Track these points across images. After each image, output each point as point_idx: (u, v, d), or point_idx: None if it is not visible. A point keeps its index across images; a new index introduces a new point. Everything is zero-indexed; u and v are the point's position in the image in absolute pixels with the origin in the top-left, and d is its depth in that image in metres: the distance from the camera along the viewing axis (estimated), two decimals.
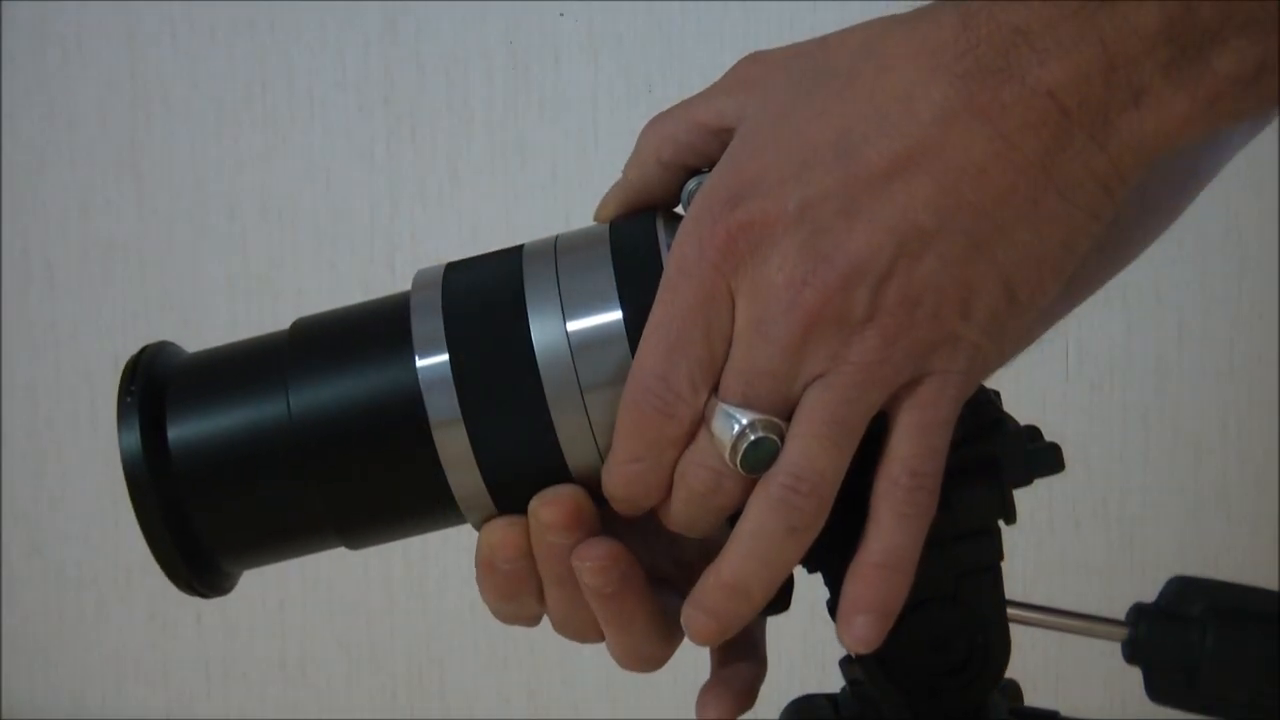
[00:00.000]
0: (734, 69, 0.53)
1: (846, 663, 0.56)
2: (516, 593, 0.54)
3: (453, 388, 0.51)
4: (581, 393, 0.51)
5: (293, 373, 0.53)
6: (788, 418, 0.49)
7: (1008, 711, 0.55)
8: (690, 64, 1.19)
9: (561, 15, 1.19)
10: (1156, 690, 0.52)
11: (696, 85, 0.53)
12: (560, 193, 1.21)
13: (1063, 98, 0.45)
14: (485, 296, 0.52)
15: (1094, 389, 1.21)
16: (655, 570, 0.55)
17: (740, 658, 0.57)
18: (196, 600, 0.56)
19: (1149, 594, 0.53)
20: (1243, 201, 1.17)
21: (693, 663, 0.57)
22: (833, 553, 0.50)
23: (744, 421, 0.48)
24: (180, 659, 1.29)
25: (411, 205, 1.23)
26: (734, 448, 0.48)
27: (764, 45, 0.53)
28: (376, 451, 0.52)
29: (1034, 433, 0.53)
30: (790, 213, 0.47)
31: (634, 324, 0.50)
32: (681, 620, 0.52)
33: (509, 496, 0.52)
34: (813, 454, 0.48)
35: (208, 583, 0.55)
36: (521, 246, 0.54)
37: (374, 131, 1.22)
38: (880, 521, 0.49)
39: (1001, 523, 0.52)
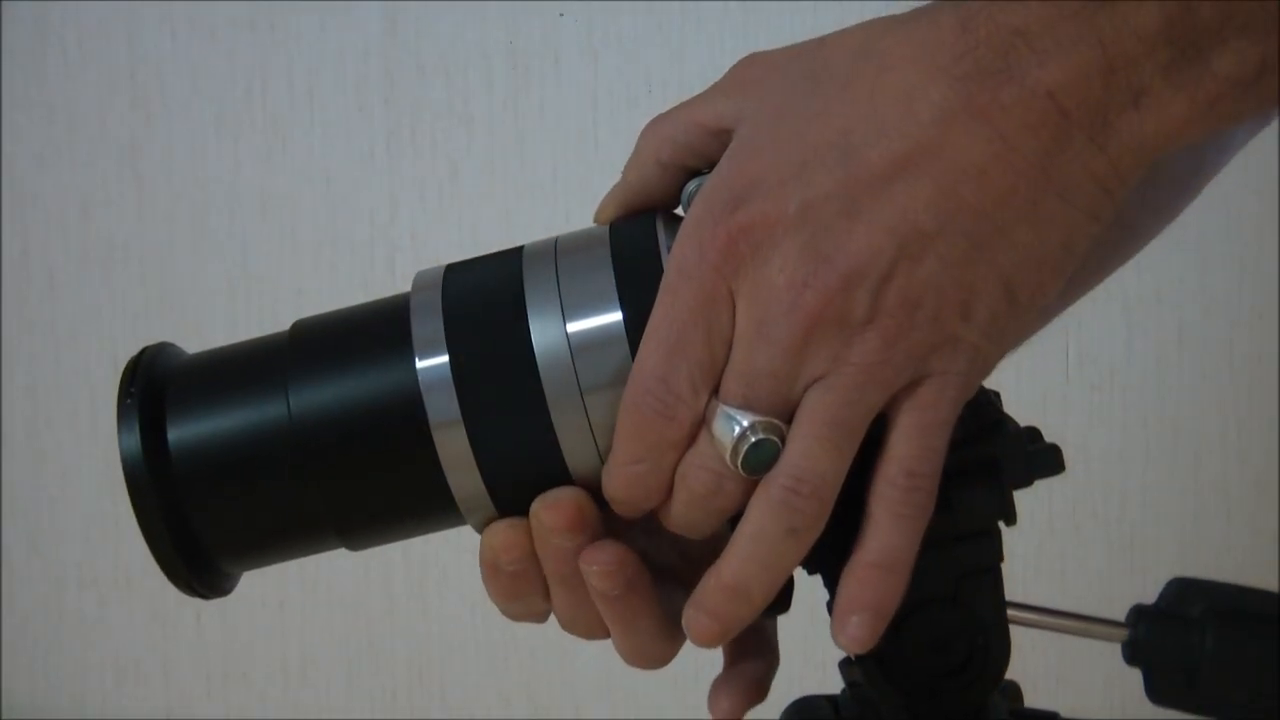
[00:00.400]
0: (733, 70, 0.53)
1: (846, 664, 0.55)
2: (521, 593, 0.54)
3: (453, 389, 0.51)
4: (582, 394, 0.51)
5: (293, 374, 0.53)
6: (788, 419, 0.49)
7: (1008, 713, 0.55)
8: (690, 64, 1.19)
9: (561, 16, 1.19)
10: (1156, 691, 0.52)
11: (696, 86, 0.53)
12: (560, 193, 1.21)
13: (1062, 99, 0.45)
14: (485, 298, 0.52)
15: (1094, 390, 1.21)
16: (660, 564, 0.55)
17: (752, 651, 0.57)
18: (196, 601, 0.56)
19: (1149, 595, 0.53)
20: (1243, 201, 1.17)
21: (693, 662, 0.57)
22: (832, 554, 0.50)
23: (745, 423, 0.48)
24: (180, 659, 1.29)
25: (411, 206, 1.23)
26: (735, 449, 0.48)
27: (764, 45, 0.52)
28: (376, 453, 0.52)
29: (1034, 434, 0.53)
30: (791, 214, 0.47)
31: (634, 326, 0.50)
32: (683, 622, 0.52)
33: (509, 498, 0.52)
34: (814, 455, 0.48)
35: (208, 583, 0.55)
36: (521, 248, 0.54)
37: (374, 132, 1.22)
38: (877, 521, 0.49)
39: (1001, 524, 0.52)
